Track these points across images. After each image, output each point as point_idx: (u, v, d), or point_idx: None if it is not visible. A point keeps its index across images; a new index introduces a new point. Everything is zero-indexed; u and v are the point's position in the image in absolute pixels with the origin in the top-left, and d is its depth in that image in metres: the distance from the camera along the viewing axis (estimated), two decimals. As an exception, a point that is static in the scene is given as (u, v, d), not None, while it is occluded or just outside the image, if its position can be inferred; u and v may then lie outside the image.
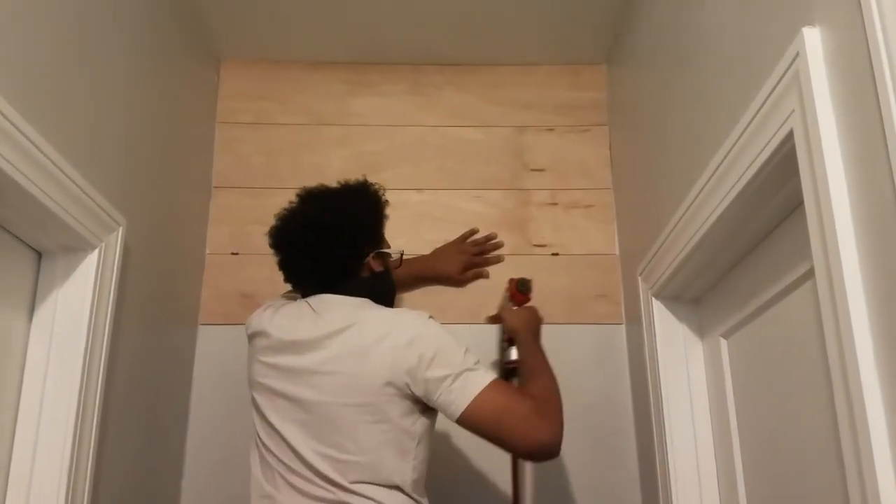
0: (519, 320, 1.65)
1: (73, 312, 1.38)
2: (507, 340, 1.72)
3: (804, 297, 1.21)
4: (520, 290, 1.75)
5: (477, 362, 1.40)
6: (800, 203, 1.17)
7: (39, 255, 1.41)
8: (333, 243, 1.52)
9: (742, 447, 1.50)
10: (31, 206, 1.22)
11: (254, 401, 1.49)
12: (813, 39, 1.00)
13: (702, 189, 1.36)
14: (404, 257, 1.67)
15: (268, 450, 1.41)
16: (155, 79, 1.75)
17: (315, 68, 2.27)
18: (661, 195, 1.70)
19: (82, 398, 1.35)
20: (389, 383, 1.37)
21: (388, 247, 1.63)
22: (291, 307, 1.52)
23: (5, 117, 1.09)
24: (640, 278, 1.82)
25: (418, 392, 1.38)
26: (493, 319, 1.80)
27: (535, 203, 2.18)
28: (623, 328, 2.07)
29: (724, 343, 1.58)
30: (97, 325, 1.40)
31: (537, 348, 1.58)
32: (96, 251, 1.41)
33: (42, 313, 1.38)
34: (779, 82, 1.06)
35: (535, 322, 1.66)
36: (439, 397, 1.37)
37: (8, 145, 1.11)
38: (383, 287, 1.60)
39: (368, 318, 1.45)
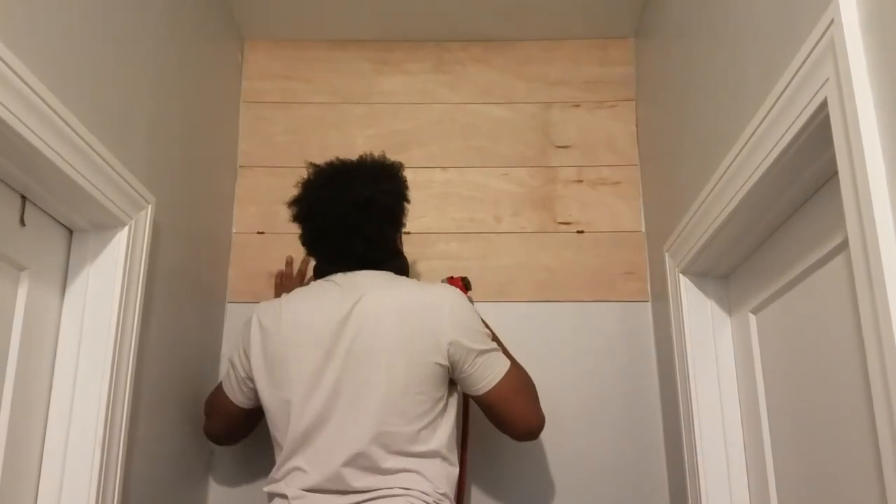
0: None
1: (104, 289, 1.39)
2: None
3: (837, 269, 1.19)
4: (466, 287, 1.81)
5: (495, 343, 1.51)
6: (833, 174, 1.15)
7: (71, 232, 1.43)
8: (383, 223, 1.55)
9: (771, 425, 1.49)
10: (63, 184, 1.24)
11: (280, 404, 1.46)
12: (848, 6, 0.97)
13: (732, 162, 1.34)
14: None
15: (301, 455, 1.41)
16: (180, 59, 1.76)
17: (339, 47, 2.27)
18: (689, 170, 1.68)
19: (114, 374, 1.36)
20: (434, 352, 1.41)
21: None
22: (313, 291, 1.53)
23: (38, 95, 1.10)
24: (667, 255, 1.81)
25: (454, 359, 1.43)
26: None
27: (562, 180, 2.17)
28: (649, 305, 2.06)
29: (753, 319, 1.56)
30: (128, 301, 1.42)
31: (497, 340, 1.63)
32: (126, 228, 1.43)
33: (74, 290, 1.40)
34: (813, 50, 1.04)
35: None
36: (475, 370, 1.44)
37: (42, 123, 1.12)
38: (404, 264, 1.64)
39: (405, 290, 1.48)
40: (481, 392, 1.45)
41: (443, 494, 1.40)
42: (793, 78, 1.10)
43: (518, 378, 1.49)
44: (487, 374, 1.44)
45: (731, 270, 1.66)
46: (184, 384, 1.76)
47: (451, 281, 1.81)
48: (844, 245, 1.14)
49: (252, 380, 1.52)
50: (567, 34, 2.25)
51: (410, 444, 1.39)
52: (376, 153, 1.65)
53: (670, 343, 1.79)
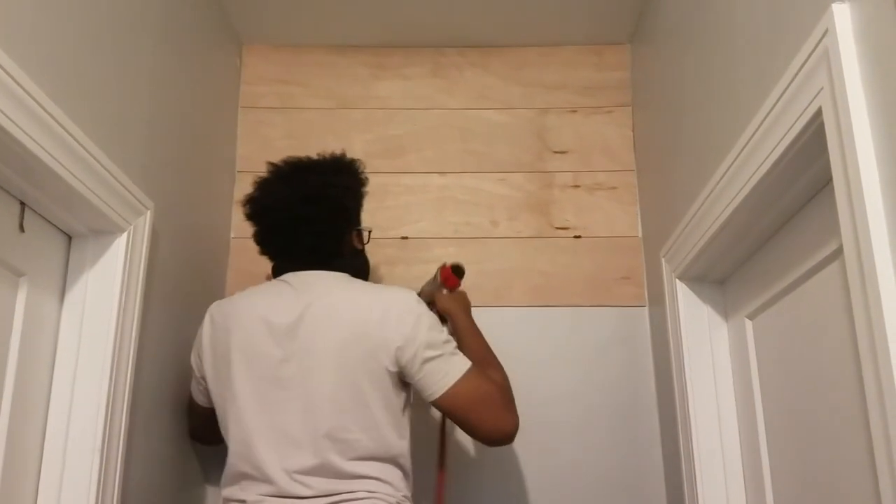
0: (455, 302, 1.71)
1: (103, 295, 1.40)
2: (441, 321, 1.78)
3: (832, 276, 1.20)
4: (456, 275, 1.78)
5: (455, 346, 1.45)
6: (828, 182, 1.16)
7: (70, 238, 1.43)
8: (330, 218, 1.53)
9: (767, 430, 1.49)
10: (62, 190, 1.24)
11: (225, 403, 1.45)
12: (843, 16, 0.98)
13: (728, 169, 1.35)
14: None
15: (248, 458, 1.40)
16: (178, 64, 1.77)
17: (337, 52, 2.28)
18: (685, 176, 1.69)
19: (113, 379, 1.37)
20: (384, 357, 1.38)
21: (362, 224, 1.66)
22: (266, 289, 1.51)
23: (37, 101, 1.11)
24: (663, 260, 1.81)
25: (405, 366, 1.40)
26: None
27: (558, 185, 2.18)
28: (646, 310, 2.06)
29: (749, 324, 1.57)
30: (127, 307, 1.42)
31: (478, 331, 1.62)
32: (125, 234, 1.43)
33: (73, 296, 1.40)
34: (807, 59, 1.05)
35: (468, 305, 1.72)
36: (422, 376, 1.40)
37: (40, 129, 1.12)
38: (363, 264, 1.61)
39: (358, 293, 1.45)
40: (432, 398, 1.39)
41: (405, 496, 1.39)
42: (788, 86, 1.11)
43: (479, 382, 1.41)
44: (438, 380, 1.39)
45: (728, 276, 1.67)
46: (182, 389, 1.76)
47: (443, 270, 1.80)
48: (839, 252, 1.15)
49: (205, 378, 1.51)
50: (563, 40, 2.26)
51: (368, 450, 1.37)
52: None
53: (667, 348, 1.80)
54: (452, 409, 1.40)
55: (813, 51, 1.03)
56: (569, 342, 2.05)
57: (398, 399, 1.42)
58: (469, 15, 2.15)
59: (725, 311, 1.70)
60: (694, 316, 1.71)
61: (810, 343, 1.30)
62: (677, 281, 1.73)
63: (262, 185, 1.58)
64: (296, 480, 1.35)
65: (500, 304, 2.07)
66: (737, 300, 1.64)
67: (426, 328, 1.42)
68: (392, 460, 1.39)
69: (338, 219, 1.56)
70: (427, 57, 2.28)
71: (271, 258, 1.60)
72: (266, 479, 1.37)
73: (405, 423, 1.44)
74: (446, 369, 1.39)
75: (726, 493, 1.60)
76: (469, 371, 1.41)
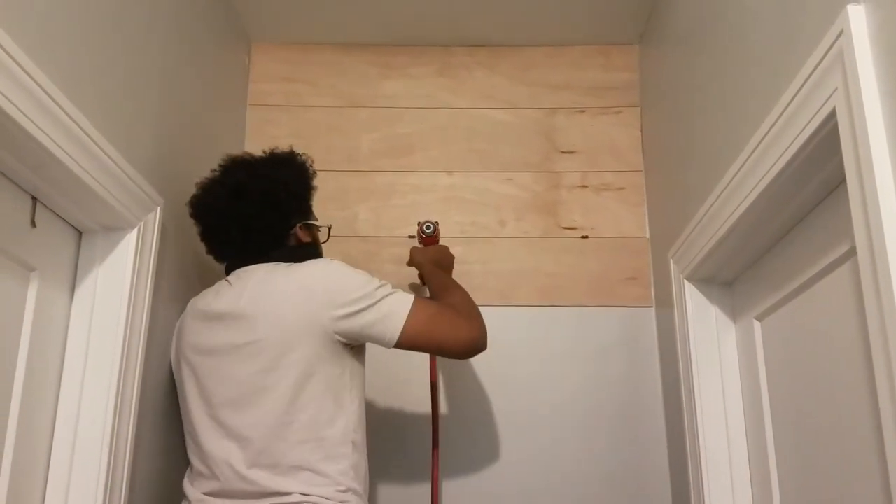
0: (420, 256, 1.83)
1: (112, 290, 1.40)
2: (420, 277, 1.90)
3: (843, 278, 1.20)
4: (423, 233, 1.91)
5: (390, 287, 1.46)
6: (840, 183, 1.16)
7: (80, 233, 1.43)
8: (260, 211, 1.51)
9: (775, 432, 1.49)
10: (73, 185, 1.24)
11: (181, 406, 1.50)
12: (858, 17, 0.98)
13: (739, 169, 1.35)
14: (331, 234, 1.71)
15: (197, 454, 1.43)
16: (188, 62, 1.77)
17: (345, 50, 2.28)
18: (694, 177, 1.69)
19: (122, 373, 1.37)
20: (317, 332, 1.38)
21: (316, 219, 1.64)
22: (212, 290, 1.54)
23: (50, 97, 1.11)
24: (671, 261, 1.81)
25: (344, 332, 1.39)
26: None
27: (566, 185, 2.18)
28: (652, 311, 2.06)
29: (757, 326, 1.57)
30: (136, 303, 1.43)
31: (440, 273, 1.69)
32: (135, 230, 1.44)
33: (83, 291, 1.41)
34: (822, 60, 1.05)
35: (441, 257, 1.82)
36: (370, 329, 1.40)
37: (53, 125, 1.13)
38: (305, 257, 1.56)
39: (276, 277, 1.44)
40: (392, 343, 1.41)
41: (347, 490, 1.36)
42: (801, 87, 1.11)
43: (427, 308, 1.44)
44: (387, 326, 1.39)
45: (736, 277, 1.67)
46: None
47: (418, 227, 1.92)
48: (851, 253, 1.15)
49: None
50: (572, 40, 2.26)
51: (314, 432, 1.36)
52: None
53: (674, 349, 1.80)
54: (415, 343, 1.43)
55: (827, 51, 1.03)
56: (574, 342, 2.05)
57: (340, 371, 1.41)
58: (477, 15, 2.15)
59: (734, 313, 1.70)
60: (702, 317, 1.71)
61: (820, 345, 1.29)
62: (685, 282, 1.73)
63: (203, 185, 1.58)
64: (237, 474, 1.36)
65: (506, 304, 2.07)
66: (745, 301, 1.63)
67: (350, 287, 1.41)
68: (345, 438, 1.38)
69: (270, 213, 1.52)
70: (435, 56, 2.28)
71: (216, 257, 1.60)
72: (212, 476, 1.39)
73: (347, 395, 1.42)
74: (389, 313, 1.40)
75: (732, 495, 1.60)
76: (414, 303, 1.43)
